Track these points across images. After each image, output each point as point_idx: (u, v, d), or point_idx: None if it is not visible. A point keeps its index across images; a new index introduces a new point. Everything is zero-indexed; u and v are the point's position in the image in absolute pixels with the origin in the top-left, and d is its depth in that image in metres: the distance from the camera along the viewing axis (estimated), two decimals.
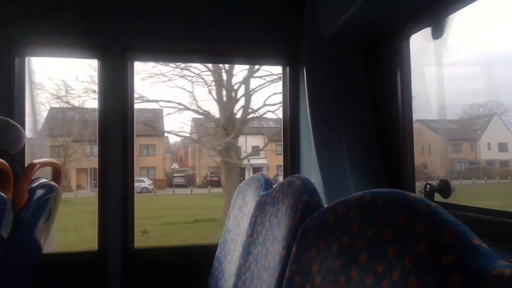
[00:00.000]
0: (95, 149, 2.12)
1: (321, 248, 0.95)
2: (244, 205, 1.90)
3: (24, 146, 2.02)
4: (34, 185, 1.68)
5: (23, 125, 2.06)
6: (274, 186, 1.69)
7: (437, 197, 1.67)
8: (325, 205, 1.25)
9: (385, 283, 0.71)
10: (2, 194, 1.36)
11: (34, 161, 1.69)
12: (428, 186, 1.63)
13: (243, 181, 2.05)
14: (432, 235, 0.65)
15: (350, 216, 0.88)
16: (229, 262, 1.81)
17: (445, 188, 1.61)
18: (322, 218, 0.99)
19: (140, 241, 2.28)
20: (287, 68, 2.42)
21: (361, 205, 0.86)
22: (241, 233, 1.78)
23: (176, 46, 2.26)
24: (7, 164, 1.42)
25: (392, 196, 0.78)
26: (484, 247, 0.59)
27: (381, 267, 0.73)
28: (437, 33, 1.66)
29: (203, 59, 2.39)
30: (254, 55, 2.41)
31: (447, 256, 0.60)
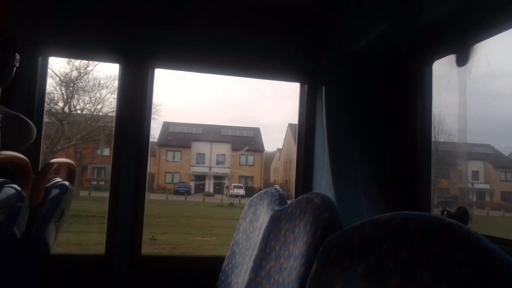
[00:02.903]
0: None
1: (345, 267, 0.94)
2: (255, 219, 1.89)
3: (40, 144, 2.03)
4: (49, 184, 1.68)
5: (40, 123, 2.07)
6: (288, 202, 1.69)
7: None
8: None
9: None
10: (21, 190, 1.35)
11: (51, 160, 1.70)
12: (445, 212, 1.61)
13: (255, 195, 2.04)
14: (475, 263, 0.64)
15: (378, 237, 0.87)
16: (236, 276, 1.79)
17: (462, 216, 1.59)
18: (346, 237, 0.98)
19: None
20: (305, 86, 2.43)
21: (392, 226, 0.85)
22: (251, 247, 1.77)
23: (197, 56, 2.28)
24: (27, 160, 1.42)
25: (427, 220, 0.77)
26: None
27: None
28: (462, 60, 1.67)
29: (222, 71, 2.40)
30: (273, 70, 2.42)
31: (491, 285, 0.59)
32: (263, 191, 1.97)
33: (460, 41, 1.63)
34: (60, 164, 1.76)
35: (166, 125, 17.60)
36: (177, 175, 17.51)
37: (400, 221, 0.83)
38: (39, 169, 1.67)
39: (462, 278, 0.64)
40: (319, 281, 1.00)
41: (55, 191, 1.67)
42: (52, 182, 1.72)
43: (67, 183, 1.80)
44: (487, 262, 0.62)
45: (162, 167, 17.09)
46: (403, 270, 0.77)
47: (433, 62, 1.82)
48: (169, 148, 17.31)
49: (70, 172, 1.91)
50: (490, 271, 0.61)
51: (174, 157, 17.65)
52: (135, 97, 2.16)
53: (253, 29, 2.29)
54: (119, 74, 2.18)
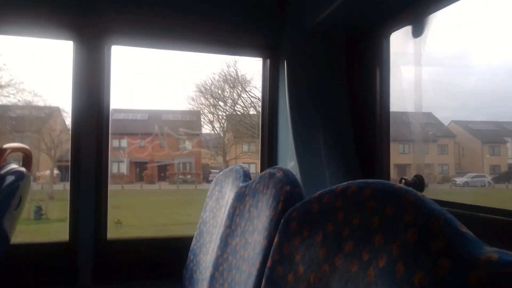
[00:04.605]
0: None
1: (304, 237, 0.95)
2: (221, 196, 1.89)
3: None
4: (3, 171, 1.61)
5: None
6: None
7: None
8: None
9: (370, 271, 0.73)
10: None
11: (4, 145, 1.62)
12: (403, 180, 1.68)
13: (221, 173, 2.04)
14: (420, 223, 0.67)
15: (335, 206, 0.89)
16: (205, 254, 1.80)
17: (419, 183, 1.66)
18: (306, 208, 1.00)
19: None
20: (268, 60, 2.42)
21: (347, 195, 0.87)
22: (217, 224, 1.78)
23: (155, 32, 2.20)
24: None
25: (379, 186, 0.79)
26: (471, 234, 0.61)
27: (367, 255, 0.75)
28: (417, 31, 1.70)
29: (183, 47, 2.34)
30: (235, 45, 2.39)
31: (435, 242, 0.62)
32: (228, 168, 1.97)
33: (415, 13, 1.66)
34: (14, 149, 1.68)
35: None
36: None
37: (355, 189, 0.85)
38: None
39: (409, 238, 0.67)
40: (281, 252, 1.02)
41: (10, 178, 1.60)
42: (7, 169, 1.65)
43: (23, 169, 1.73)
44: (431, 222, 0.65)
45: None
46: (357, 235, 0.79)
47: (391, 34, 1.85)
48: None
49: (25, 158, 1.84)
50: (434, 230, 0.64)
51: None
52: (91, 77, 2.07)
53: (214, 4, 2.24)
54: (72, 53, 2.07)
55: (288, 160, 2.17)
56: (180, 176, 13.71)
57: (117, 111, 11.69)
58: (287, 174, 1.31)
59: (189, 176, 14.13)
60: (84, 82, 2.06)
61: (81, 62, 2.06)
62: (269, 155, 2.42)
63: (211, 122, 11.73)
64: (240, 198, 1.59)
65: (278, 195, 1.24)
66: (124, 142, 12.16)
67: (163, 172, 13.25)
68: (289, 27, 2.17)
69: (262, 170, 2.42)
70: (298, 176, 1.90)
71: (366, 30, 1.91)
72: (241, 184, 1.68)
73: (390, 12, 1.74)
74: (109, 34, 2.09)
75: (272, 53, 2.37)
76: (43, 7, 1.98)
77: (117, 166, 12.01)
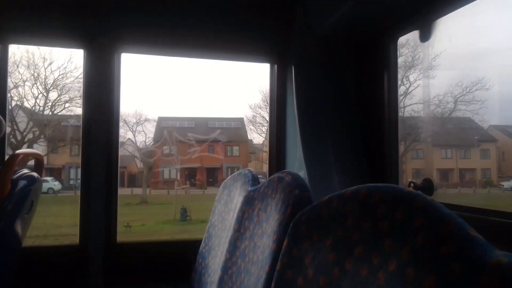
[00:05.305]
0: None
1: (314, 241, 0.96)
2: (229, 200, 1.90)
3: (4, 136, 1.97)
4: (16, 176, 1.64)
5: (3, 116, 2.00)
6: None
7: None
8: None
9: (380, 274, 0.73)
10: None
11: (16, 151, 1.65)
12: (412, 184, 1.67)
13: (229, 177, 2.05)
14: (430, 228, 0.67)
15: (344, 210, 0.89)
16: (213, 257, 1.81)
17: (428, 186, 1.65)
18: (315, 212, 1.01)
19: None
20: (275, 66, 2.43)
21: (357, 199, 0.87)
22: (226, 228, 1.79)
23: (165, 39, 2.23)
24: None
25: (389, 190, 0.80)
26: (481, 238, 0.62)
27: (377, 259, 0.75)
28: (425, 36, 1.70)
29: (191, 54, 2.36)
30: (242, 51, 2.40)
31: (446, 247, 0.63)
32: (236, 173, 1.98)
33: (422, 17, 1.66)
34: (26, 154, 1.71)
35: None
36: None
37: (364, 193, 0.86)
38: (4, 161, 1.63)
39: (419, 242, 0.67)
40: (290, 256, 1.03)
41: (22, 183, 1.63)
42: (19, 173, 1.68)
43: (35, 174, 1.76)
44: (441, 226, 0.66)
45: None
46: (367, 240, 0.80)
47: (398, 38, 1.85)
48: None
49: (37, 163, 1.87)
50: (444, 234, 0.64)
51: None
52: (102, 84, 2.10)
53: (221, 9, 2.26)
54: (83, 61, 2.11)
55: (297, 164, 2.17)
56: None
57: (164, 119, 11.76)
58: (296, 178, 1.32)
59: None
60: (95, 89, 2.09)
61: (92, 69, 2.09)
62: (277, 159, 2.43)
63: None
64: (249, 202, 1.60)
65: (287, 199, 1.24)
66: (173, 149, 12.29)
67: (211, 177, 13.33)
68: (297, 33, 2.18)
69: (270, 174, 2.42)
70: (306, 180, 1.91)
71: (374, 35, 1.92)
72: (249, 188, 1.69)
73: (397, 16, 1.75)
74: (119, 43, 2.13)
75: (279, 59, 2.39)
76: (54, 17, 2.02)
77: (168, 171, 12.13)
